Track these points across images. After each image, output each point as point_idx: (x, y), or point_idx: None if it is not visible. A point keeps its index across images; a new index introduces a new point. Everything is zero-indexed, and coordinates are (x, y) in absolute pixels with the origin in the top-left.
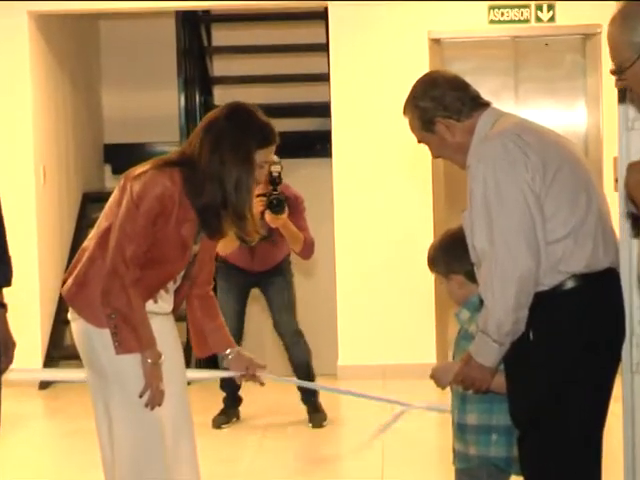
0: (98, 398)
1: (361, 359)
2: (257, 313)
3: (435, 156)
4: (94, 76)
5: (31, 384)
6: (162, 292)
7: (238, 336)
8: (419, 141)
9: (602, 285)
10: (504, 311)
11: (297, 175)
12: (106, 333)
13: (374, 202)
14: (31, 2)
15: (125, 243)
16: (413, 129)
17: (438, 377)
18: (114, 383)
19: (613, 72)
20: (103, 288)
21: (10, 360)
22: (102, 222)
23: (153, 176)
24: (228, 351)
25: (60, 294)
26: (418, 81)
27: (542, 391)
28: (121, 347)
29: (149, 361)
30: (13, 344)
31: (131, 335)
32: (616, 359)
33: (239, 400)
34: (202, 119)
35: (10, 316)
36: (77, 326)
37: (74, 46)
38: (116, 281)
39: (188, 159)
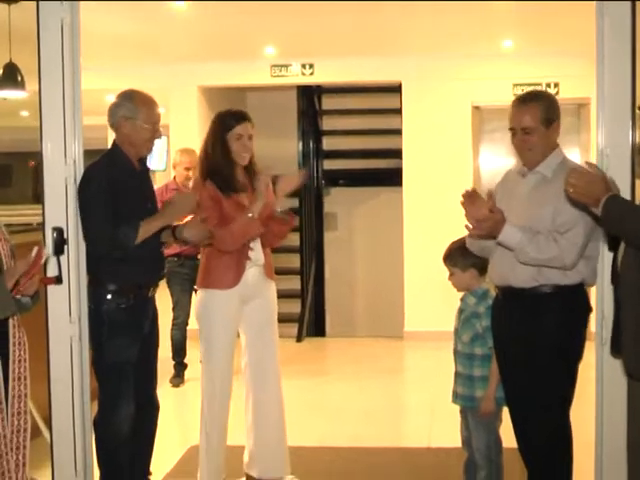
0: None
1: (423, 326)
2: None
3: (527, 148)
4: None
5: None
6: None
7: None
8: (525, 130)
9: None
10: (534, 260)
11: (378, 198)
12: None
13: (434, 216)
14: (199, 78)
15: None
16: (533, 116)
17: (489, 407)
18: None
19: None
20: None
21: None
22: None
23: None
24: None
25: None
26: (551, 95)
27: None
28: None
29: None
30: None
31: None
32: None
33: (185, 366)
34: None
35: None
36: None
37: None
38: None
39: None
